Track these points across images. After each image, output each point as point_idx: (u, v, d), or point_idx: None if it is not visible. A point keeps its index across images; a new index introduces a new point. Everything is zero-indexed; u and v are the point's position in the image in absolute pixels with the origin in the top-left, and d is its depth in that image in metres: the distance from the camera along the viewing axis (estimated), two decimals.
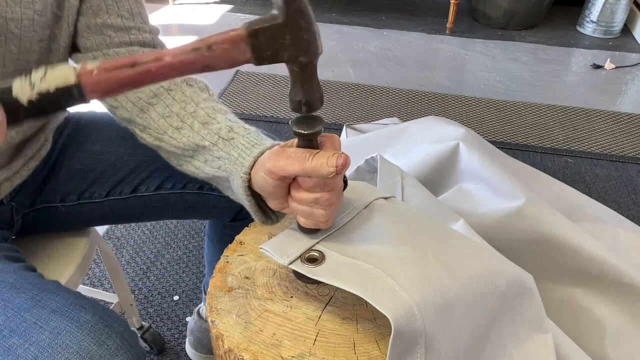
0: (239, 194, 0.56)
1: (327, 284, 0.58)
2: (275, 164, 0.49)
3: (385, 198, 0.63)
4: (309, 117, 0.49)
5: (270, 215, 0.58)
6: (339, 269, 0.51)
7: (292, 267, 0.53)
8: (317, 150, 0.49)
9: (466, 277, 0.53)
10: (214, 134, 0.59)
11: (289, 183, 0.52)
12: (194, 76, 0.66)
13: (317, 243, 0.55)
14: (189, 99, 0.63)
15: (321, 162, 0.47)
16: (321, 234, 0.55)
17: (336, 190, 0.51)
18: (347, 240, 0.55)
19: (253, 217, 0.58)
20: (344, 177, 0.53)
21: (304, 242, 0.55)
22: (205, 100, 0.63)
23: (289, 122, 0.49)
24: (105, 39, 0.65)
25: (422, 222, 0.60)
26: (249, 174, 0.54)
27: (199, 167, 0.61)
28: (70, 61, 0.70)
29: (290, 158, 0.48)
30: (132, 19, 0.66)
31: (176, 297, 1.24)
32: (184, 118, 0.61)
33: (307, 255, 0.54)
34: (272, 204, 0.54)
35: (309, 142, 0.49)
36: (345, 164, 0.47)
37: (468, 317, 0.52)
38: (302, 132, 0.48)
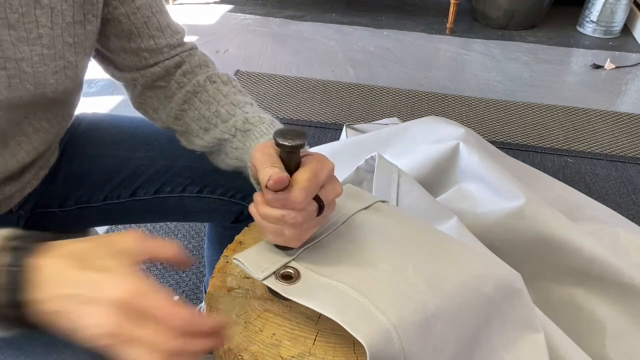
0: (254, 184, 0.58)
1: None
2: (255, 155, 0.50)
3: (367, 207, 0.61)
4: (292, 130, 0.49)
5: None
6: (314, 289, 0.50)
7: (266, 283, 0.51)
8: (278, 162, 0.48)
9: (449, 287, 0.53)
10: (231, 126, 0.63)
11: None
12: (218, 70, 0.70)
13: (293, 260, 0.53)
14: (212, 98, 0.66)
15: (265, 173, 0.47)
16: (296, 250, 0.54)
17: (306, 211, 0.49)
18: (324, 257, 0.54)
19: None
20: (320, 200, 0.50)
21: (279, 258, 0.53)
22: (227, 96, 0.66)
23: (272, 134, 0.49)
24: (142, 61, 0.67)
25: (405, 231, 0.59)
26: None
27: (223, 160, 0.66)
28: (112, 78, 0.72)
29: (264, 155, 0.49)
30: (163, 35, 0.67)
31: (176, 297, 1.24)
32: (210, 119, 0.65)
33: (282, 272, 0.52)
34: None
35: (288, 155, 0.49)
36: (274, 185, 0.46)
37: (452, 329, 0.51)
38: (284, 143, 0.48)
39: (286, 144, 0.48)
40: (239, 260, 0.53)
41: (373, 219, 0.60)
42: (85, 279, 0.38)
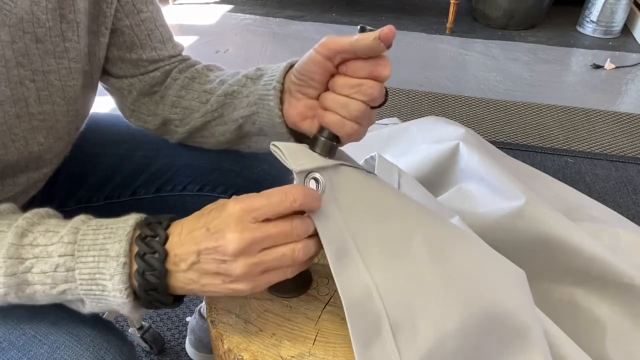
0: (271, 108, 0.56)
1: (325, 284, 0.58)
2: (328, 38, 0.48)
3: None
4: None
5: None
6: (329, 218, 0.48)
7: (298, 179, 0.48)
8: None
9: (458, 264, 0.53)
10: (241, 76, 0.61)
11: (332, 73, 0.50)
12: (215, 63, 0.70)
13: (326, 169, 0.50)
14: (214, 77, 0.66)
15: (368, 33, 0.46)
16: (331, 160, 0.51)
17: (380, 87, 0.48)
18: (347, 187, 0.51)
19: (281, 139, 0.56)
20: (386, 90, 0.49)
21: (317, 158, 0.50)
22: (227, 72, 0.66)
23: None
24: (140, 69, 0.67)
25: (420, 206, 0.58)
26: (282, 82, 0.55)
27: (228, 121, 0.62)
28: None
29: (343, 38, 0.47)
30: (165, 48, 0.67)
31: None
32: (211, 90, 0.64)
33: (313, 175, 0.49)
34: (298, 106, 0.53)
35: None
36: (391, 34, 0.45)
37: (455, 302, 0.51)
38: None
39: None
40: (277, 148, 0.49)
41: (391, 186, 0.59)
42: (202, 247, 0.45)
